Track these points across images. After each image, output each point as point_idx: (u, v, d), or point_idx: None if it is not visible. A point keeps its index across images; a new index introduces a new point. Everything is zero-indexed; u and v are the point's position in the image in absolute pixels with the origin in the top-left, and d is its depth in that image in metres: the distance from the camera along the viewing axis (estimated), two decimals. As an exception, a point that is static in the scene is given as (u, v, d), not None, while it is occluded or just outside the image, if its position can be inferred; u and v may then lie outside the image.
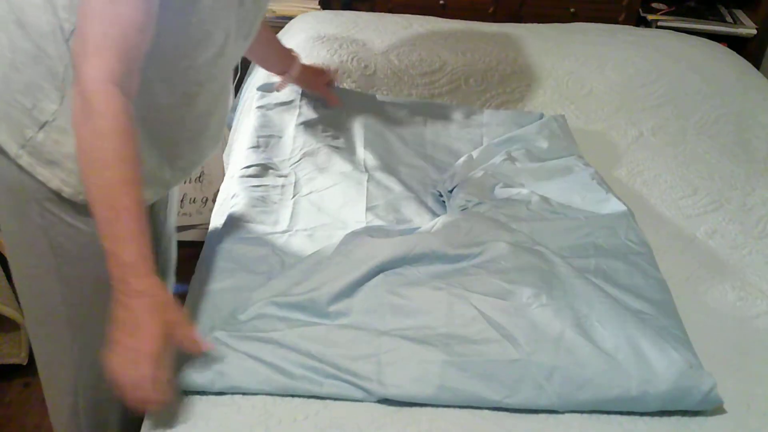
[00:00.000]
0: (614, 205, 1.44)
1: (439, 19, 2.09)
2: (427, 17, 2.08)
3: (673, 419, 1.08)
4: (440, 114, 1.76)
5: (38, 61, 1.05)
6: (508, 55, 1.93)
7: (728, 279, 1.39)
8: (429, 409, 1.06)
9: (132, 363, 0.97)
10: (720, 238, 1.51)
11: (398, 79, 1.86)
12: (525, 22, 2.16)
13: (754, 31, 2.32)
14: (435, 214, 1.45)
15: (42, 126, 1.08)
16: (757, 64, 2.29)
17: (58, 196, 1.12)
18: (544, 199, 1.45)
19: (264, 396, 1.06)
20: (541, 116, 1.76)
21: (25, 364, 2.00)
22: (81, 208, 1.13)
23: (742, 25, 2.34)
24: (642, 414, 1.08)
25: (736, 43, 2.27)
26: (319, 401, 1.06)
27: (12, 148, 1.09)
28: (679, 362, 1.08)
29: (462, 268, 1.22)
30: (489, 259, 1.22)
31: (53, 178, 1.10)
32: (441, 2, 2.25)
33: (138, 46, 0.99)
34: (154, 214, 1.36)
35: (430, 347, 1.08)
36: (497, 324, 1.11)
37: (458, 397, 1.06)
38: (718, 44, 2.13)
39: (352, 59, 1.84)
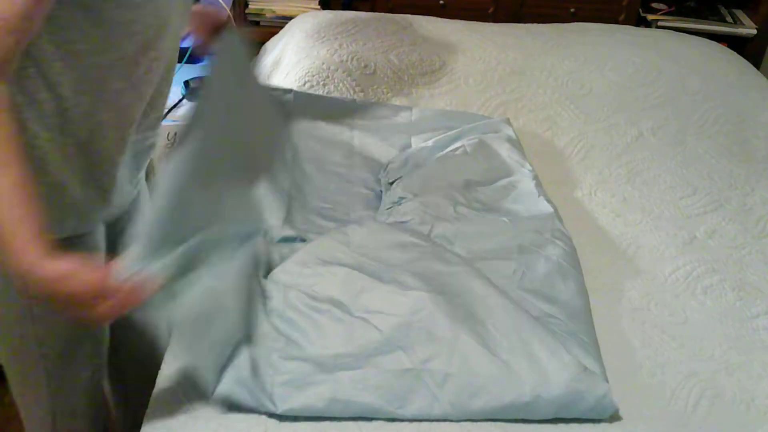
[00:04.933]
0: (542, 207, 1.43)
1: (439, 19, 2.09)
2: (427, 17, 2.08)
3: (673, 418, 1.08)
4: (367, 112, 1.74)
5: None
6: (508, 55, 1.93)
7: (728, 279, 1.39)
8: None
9: (94, 312, 0.93)
10: (720, 237, 1.51)
11: (398, 78, 1.86)
12: (525, 22, 2.16)
13: (754, 31, 2.32)
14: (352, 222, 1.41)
15: None
16: (757, 64, 2.29)
17: None
18: (473, 200, 1.44)
19: (263, 396, 1.06)
20: (475, 116, 1.75)
21: (24, 364, 2.00)
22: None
23: (742, 25, 2.34)
24: (640, 413, 1.08)
25: (736, 43, 2.27)
26: (318, 401, 1.06)
27: None
28: (571, 365, 1.06)
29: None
30: (385, 267, 1.21)
31: None
32: (441, 2, 2.25)
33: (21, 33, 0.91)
34: (112, 231, 1.30)
35: (325, 365, 1.06)
36: (392, 336, 1.09)
37: (350, 409, 1.04)
38: (718, 44, 2.13)
39: (352, 59, 1.84)
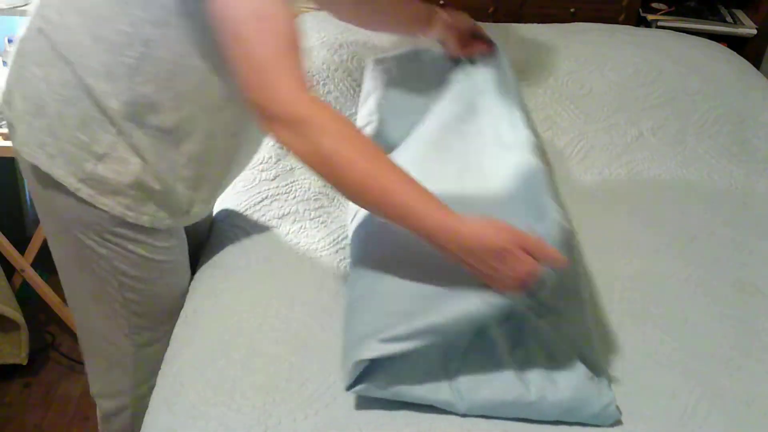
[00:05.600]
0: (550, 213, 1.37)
1: (439, 19, 2.08)
2: (427, 17, 2.07)
3: (673, 418, 1.08)
4: None
5: (89, 96, 1.07)
6: (508, 55, 1.93)
7: (728, 279, 1.39)
8: (428, 409, 1.06)
9: (515, 270, 0.97)
10: (720, 237, 1.51)
11: (398, 79, 1.85)
12: (525, 22, 2.15)
13: (754, 31, 2.31)
14: None
15: (101, 158, 1.10)
16: (757, 64, 2.28)
17: (116, 223, 1.14)
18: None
19: (264, 396, 1.06)
20: None
21: (25, 364, 2.00)
22: (137, 233, 1.17)
23: (742, 25, 2.34)
24: (640, 414, 1.08)
25: (736, 43, 2.26)
26: (319, 401, 1.06)
27: (71, 182, 1.11)
28: (579, 372, 1.07)
29: None
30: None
31: (116, 206, 1.13)
32: (441, 2, 2.25)
33: (301, 40, 0.99)
34: (196, 228, 1.38)
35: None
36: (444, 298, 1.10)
37: (375, 374, 1.03)
38: (718, 44, 2.13)
39: (352, 59, 1.84)
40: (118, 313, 1.24)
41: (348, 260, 1.36)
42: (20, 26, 1.16)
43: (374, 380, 1.04)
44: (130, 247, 1.18)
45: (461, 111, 1.46)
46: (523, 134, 1.31)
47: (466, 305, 1.02)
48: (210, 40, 1.04)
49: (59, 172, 1.11)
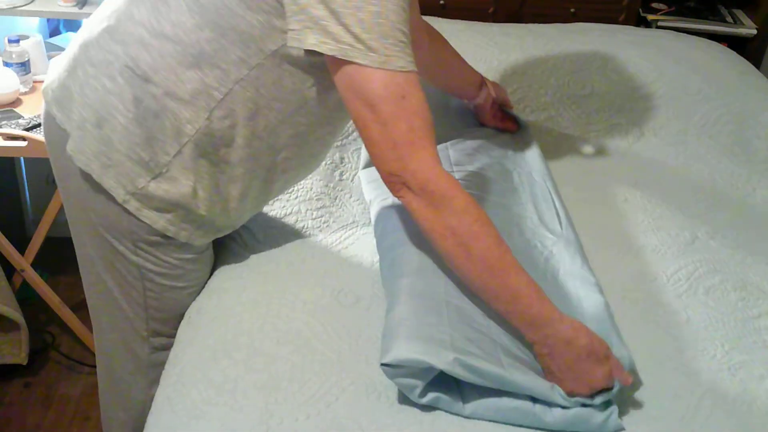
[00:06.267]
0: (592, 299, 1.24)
1: (439, 19, 2.08)
2: (427, 17, 2.07)
3: (675, 418, 1.08)
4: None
5: (160, 117, 1.09)
6: (509, 55, 1.93)
7: (730, 279, 1.39)
8: (429, 409, 1.06)
9: (594, 373, 1.03)
10: (721, 238, 1.51)
11: (399, 79, 1.85)
12: (525, 22, 2.16)
13: (754, 31, 2.32)
14: None
15: (155, 177, 1.12)
16: (757, 64, 2.29)
17: (152, 234, 1.17)
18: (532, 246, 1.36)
19: (266, 395, 1.07)
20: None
21: (25, 364, 2.00)
22: (171, 243, 1.19)
23: (742, 25, 2.34)
24: (641, 414, 1.08)
25: (736, 43, 2.27)
26: (321, 401, 1.06)
27: (119, 194, 1.13)
28: None
29: None
30: None
31: (159, 220, 1.15)
32: (441, 2, 2.25)
33: (432, 116, 1.04)
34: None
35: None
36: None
37: (400, 378, 1.04)
38: (718, 44, 2.13)
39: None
40: (138, 316, 1.25)
41: (350, 260, 1.37)
42: (84, 30, 1.16)
43: (391, 366, 1.04)
44: (162, 256, 1.19)
45: (497, 168, 1.53)
46: (569, 230, 1.39)
47: (538, 385, 1.05)
48: (304, 88, 1.10)
49: (110, 182, 1.13)
